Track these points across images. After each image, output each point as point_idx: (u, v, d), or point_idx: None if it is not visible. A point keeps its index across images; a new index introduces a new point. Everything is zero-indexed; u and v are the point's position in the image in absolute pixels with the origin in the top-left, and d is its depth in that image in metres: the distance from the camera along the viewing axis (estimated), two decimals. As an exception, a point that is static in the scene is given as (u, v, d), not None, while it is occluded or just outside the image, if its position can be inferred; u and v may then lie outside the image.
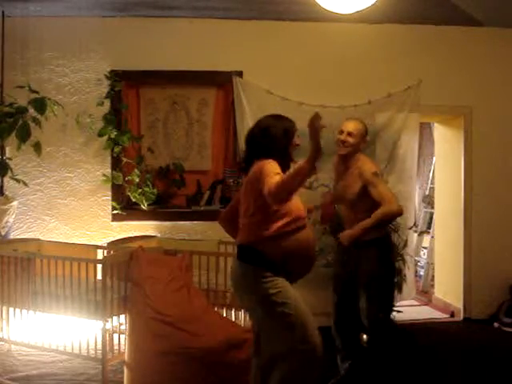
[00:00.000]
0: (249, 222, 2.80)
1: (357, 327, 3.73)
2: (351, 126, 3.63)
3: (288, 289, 2.77)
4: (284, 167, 2.82)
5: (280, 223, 2.74)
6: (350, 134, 3.61)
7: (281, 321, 2.72)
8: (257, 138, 2.88)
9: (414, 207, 5.93)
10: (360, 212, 3.55)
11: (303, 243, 2.80)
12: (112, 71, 5.08)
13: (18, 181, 4.81)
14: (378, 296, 3.57)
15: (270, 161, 2.75)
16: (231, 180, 5.23)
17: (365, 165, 3.57)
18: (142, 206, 5.05)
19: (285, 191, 2.59)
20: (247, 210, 2.80)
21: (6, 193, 4.87)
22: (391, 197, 3.49)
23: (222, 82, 5.22)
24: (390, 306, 4.04)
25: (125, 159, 5.09)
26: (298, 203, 2.83)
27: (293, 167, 2.69)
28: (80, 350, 3.86)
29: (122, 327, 4.07)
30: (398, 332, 4.35)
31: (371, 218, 3.46)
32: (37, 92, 4.73)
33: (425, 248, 7.10)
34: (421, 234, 7.19)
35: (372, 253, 3.57)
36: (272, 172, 2.66)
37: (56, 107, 4.79)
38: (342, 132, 3.65)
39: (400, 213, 3.54)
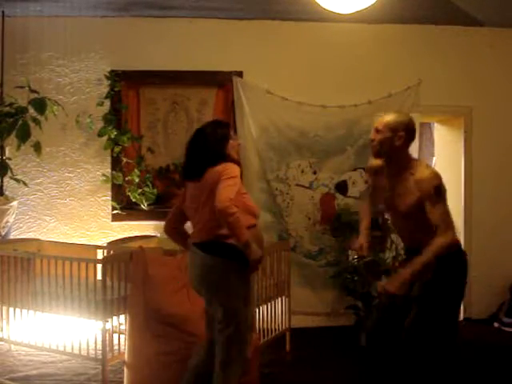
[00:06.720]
0: (210, 219, 2.90)
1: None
2: (379, 121, 3.04)
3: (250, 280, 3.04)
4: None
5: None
6: (376, 130, 3.03)
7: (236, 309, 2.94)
8: (198, 146, 3.01)
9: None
10: (420, 222, 2.94)
11: (261, 236, 3.08)
12: (112, 71, 5.07)
13: (17, 181, 4.81)
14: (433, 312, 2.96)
15: (234, 166, 2.91)
16: (231, 180, 5.22)
17: (422, 171, 2.91)
18: (142, 206, 5.05)
19: (234, 224, 2.78)
20: (209, 211, 2.88)
21: (6, 193, 4.86)
22: (450, 222, 2.88)
23: (222, 82, 5.22)
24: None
25: (125, 159, 5.09)
26: (251, 200, 3.08)
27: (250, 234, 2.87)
28: (80, 350, 3.86)
29: (122, 327, 4.07)
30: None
31: (423, 255, 2.83)
32: (37, 92, 4.72)
33: (425, 248, 7.08)
34: (421, 234, 7.17)
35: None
36: (232, 185, 2.81)
37: (56, 107, 4.79)
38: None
39: (455, 243, 2.98)
